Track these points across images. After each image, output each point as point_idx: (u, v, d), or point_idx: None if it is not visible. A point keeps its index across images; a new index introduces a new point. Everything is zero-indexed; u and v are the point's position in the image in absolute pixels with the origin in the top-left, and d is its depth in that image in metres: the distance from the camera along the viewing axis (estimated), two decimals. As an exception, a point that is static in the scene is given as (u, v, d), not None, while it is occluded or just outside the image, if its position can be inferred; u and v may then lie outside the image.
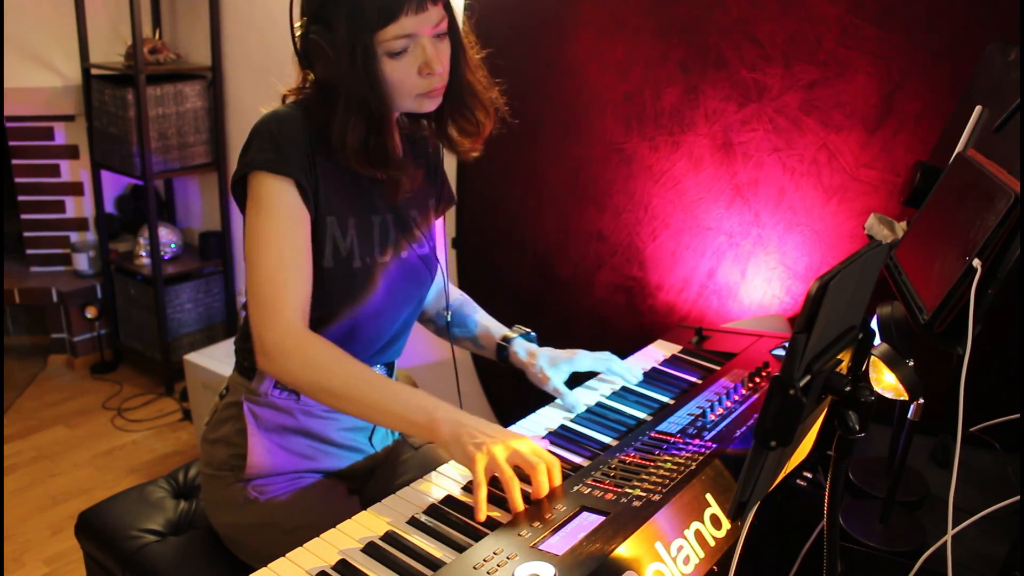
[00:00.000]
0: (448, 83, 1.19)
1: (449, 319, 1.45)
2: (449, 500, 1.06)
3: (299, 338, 1.13)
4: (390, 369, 1.38)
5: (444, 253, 1.48)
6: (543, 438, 1.23)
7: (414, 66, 1.12)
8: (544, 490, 1.03)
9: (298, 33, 1.14)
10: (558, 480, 1.05)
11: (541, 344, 1.42)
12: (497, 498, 1.05)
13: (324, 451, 1.29)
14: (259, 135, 1.15)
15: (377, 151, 1.15)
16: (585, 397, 1.36)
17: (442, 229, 1.46)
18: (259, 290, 1.13)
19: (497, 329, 1.43)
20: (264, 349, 1.13)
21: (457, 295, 1.50)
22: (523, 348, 1.39)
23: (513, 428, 1.27)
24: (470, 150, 1.31)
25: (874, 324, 1.20)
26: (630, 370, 1.41)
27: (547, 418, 1.30)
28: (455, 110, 1.25)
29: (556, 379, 1.35)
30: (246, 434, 1.26)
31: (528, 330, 1.43)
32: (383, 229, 1.26)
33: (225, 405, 1.31)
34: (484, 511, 1.01)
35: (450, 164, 2.19)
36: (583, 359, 1.38)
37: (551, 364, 1.36)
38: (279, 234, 1.14)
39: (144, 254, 3.03)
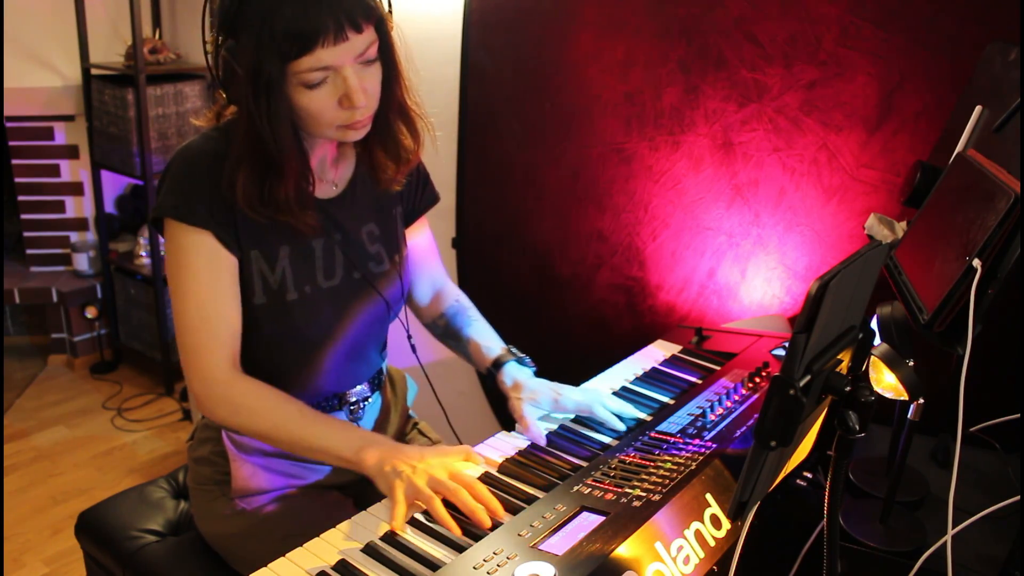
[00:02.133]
0: (379, 108, 1.10)
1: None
2: (449, 501, 1.06)
3: (225, 386, 1.11)
4: (376, 383, 1.34)
5: (435, 256, 1.42)
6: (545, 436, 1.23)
7: (334, 97, 1.02)
8: (474, 509, 1.00)
9: (209, 48, 1.04)
10: (487, 498, 1.03)
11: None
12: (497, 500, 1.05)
13: (310, 468, 1.27)
14: (167, 175, 1.10)
15: (272, 197, 1.07)
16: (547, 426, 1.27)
17: (426, 232, 1.39)
18: (184, 339, 1.12)
19: (488, 349, 1.33)
20: (194, 396, 1.13)
21: (453, 301, 1.42)
22: (510, 376, 1.29)
23: (505, 432, 1.27)
24: (392, 179, 1.22)
25: (874, 324, 1.20)
26: (620, 413, 1.27)
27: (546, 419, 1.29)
28: (384, 136, 1.16)
29: (529, 412, 1.24)
30: (227, 457, 1.24)
31: (521, 355, 1.33)
32: (327, 252, 1.18)
33: (204, 426, 1.30)
34: (402, 526, 1.00)
35: (450, 162, 2.20)
36: (567, 402, 1.26)
37: (530, 399, 1.26)
38: (198, 284, 1.10)
39: (144, 254, 3.03)
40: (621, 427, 1.25)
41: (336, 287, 1.20)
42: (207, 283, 1.10)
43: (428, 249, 1.40)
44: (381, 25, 1.05)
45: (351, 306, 1.22)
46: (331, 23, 0.96)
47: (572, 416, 1.29)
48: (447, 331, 1.41)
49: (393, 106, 1.14)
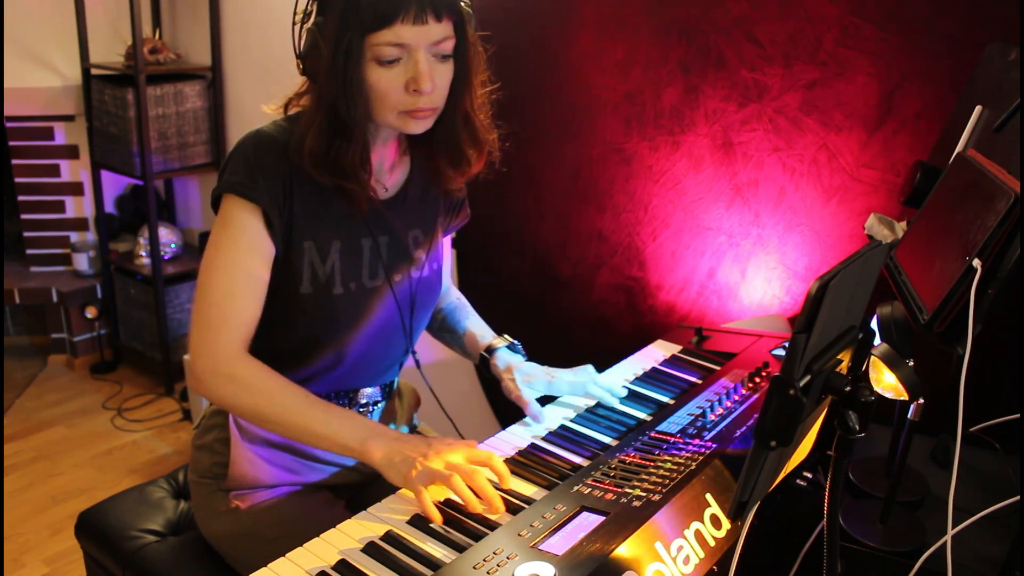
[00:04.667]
0: (445, 110, 1.13)
1: (441, 322, 1.45)
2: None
3: (233, 364, 1.11)
4: (388, 391, 1.36)
5: (447, 265, 1.45)
6: (543, 437, 1.23)
7: (402, 79, 1.06)
8: (492, 496, 1.03)
9: (297, 19, 1.09)
10: (506, 474, 1.08)
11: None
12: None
13: (309, 466, 1.28)
14: (235, 156, 1.12)
15: (337, 159, 1.09)
16: (555, 413, 1.31)
17: (447, 246, 1.43)
18: (205, 312, 1.12)
19: (483, 337, 1.38)
20: (195, 372, 1.12)
21: (454, 299, 1.48)
22: (503, 360, 1.34)
23: (513, 427, 1.27)
24: (452, 185, 1.27)
25: (874, 324, 1.20)
26: (611, 389, 1.34)
27: (546, 418, 1.29)
28: (446, 140, 1.19)
29: (527, 393, 1.29)
30: (230, 444, 1.25)
31: (513, 340, 1.38)
32: (374, 253, 1.21)
33: (212, 412, 1.31)
34: (436, 513, 1.01)
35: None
36: (560, 383, 1.33)
37: (526, 380, 1.31)
38: (236, 259, 1.11)
39: (144, 254, 3.03)
40: (614, 401, 1.32)
41: (378, 287, 1.23)
42: (243, 262, 1.12)
43: (445, 258, 1.44)
44: (461, 27, 1.09)
45: (389, 310, 1.25)
46: (413, 3, 1.02)
47: (572, 416, 1.29)
48: (444, 325, 1.45)
49: (459, 114, 1.16)
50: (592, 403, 1.33)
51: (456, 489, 1.03)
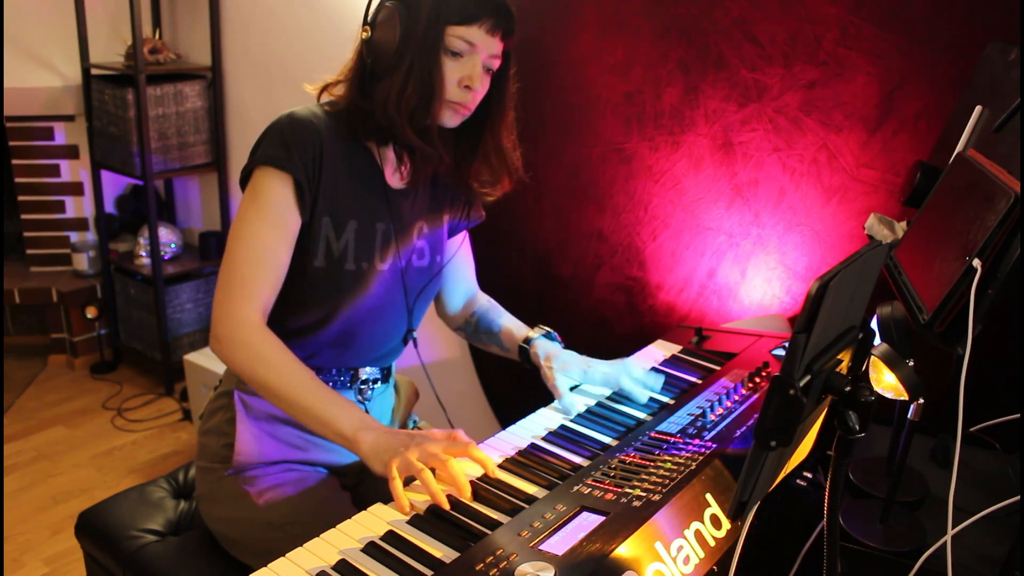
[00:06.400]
0: (482, 134, 1.27)
1: (476, 323, 1.49)
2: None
3: (251, 332, 1.16)
4: (387, 373, 1.39)
5: (471, 267, 1.52)
6: (544, 436, 1.23)
7: (459, 74, 1.18)
8: (455, 476, 1.06)
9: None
10: (483, 459, 1.11)
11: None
12: (495, 500, 1.06)
13: (314, 442, 1.30)
14: (270, 133, 1.19)
15: (423, 117, 1.19)
16: (555, 414, 1.33)
17: (465, 245, 1.49)
18: (229, 278, 1.17)
19: (519, 331, 1.44)
20: (216, 334, 1.17)
21: (484, 301, 1.53)
22: (543, 349, 1.39)
23: (513, 428, 1.27)
24: (482, 196, 1.37)
25: (874, 324, 1.20)
26: (644, 382, 1.35)
27: (546, 419, 1.30)
28: (481, 158, 1.30)
29: (560, 382, 1.34)
30: (235, 422, 1.27)
31: (549, 330, 1.44)
32: (386, 237, 1.28)
33: (217, 395, 1.34)
34: (405, 503, 1.04)
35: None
36: (595, 373, 1.36)
37: (562, 368, 1.36)
38: (264, 229, 1.17)
39: (144, 254, 3.03)
40: (643, 399, 1.32)
41: (385, 271, 1.28)
42: (272, 228, 1.17)
43: (466, 260, 1.51)
44: (507, 56, 1.23)
45: (389, 291, 1.30)
46: (493, 15, 1.16)
47: (572, 416, 1.29)
48: (479, 327, 1.49)
49: (497, 134, 1.28)
50: (592, 403, 1.33)
51: (424, 483, 1.05)
